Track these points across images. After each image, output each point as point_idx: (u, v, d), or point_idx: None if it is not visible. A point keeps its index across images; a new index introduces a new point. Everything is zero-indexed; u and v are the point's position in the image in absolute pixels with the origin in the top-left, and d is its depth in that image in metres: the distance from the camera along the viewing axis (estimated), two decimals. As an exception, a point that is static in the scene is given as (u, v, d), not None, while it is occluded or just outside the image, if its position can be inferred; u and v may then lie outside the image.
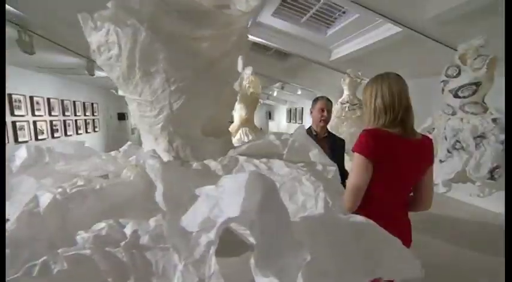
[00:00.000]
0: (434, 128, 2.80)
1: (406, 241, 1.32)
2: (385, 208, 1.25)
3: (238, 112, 3.96)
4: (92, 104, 8.25)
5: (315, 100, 2.23)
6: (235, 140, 3.85)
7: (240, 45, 0.93)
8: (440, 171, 2.55)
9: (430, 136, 2.70)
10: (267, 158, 0.86)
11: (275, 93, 9.38)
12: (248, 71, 3.84)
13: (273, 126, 13.93)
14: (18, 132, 5.12)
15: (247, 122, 3.97)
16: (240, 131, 3.96)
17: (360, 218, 0.62)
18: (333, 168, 0.83)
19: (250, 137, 3.89)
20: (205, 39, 0.82)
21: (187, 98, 0.81)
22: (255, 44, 5.91)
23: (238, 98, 3.87)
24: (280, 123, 12.71)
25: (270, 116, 14.46)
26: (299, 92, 7.98)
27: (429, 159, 1.28)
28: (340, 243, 0.57)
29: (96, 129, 8.53)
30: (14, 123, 5.01)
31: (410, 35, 3.54)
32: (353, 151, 1.21)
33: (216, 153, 0.89)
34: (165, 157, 0.85)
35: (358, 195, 1.19)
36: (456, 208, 3.91)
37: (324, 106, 2.15)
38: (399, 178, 1.23)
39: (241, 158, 0.81)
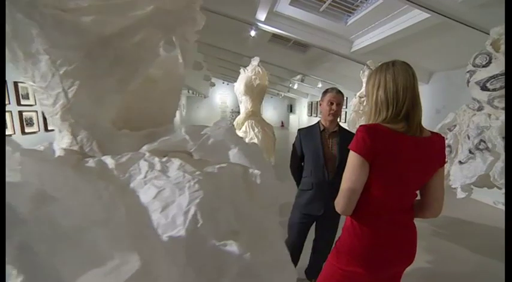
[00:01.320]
0: (456, 125, 2.42)
1: (409, 248, 1.17)
2: (384, 211, 1.10)
3: (244, 104, 3.81)
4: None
5: (325, 92, 2.03)
6: (241, 133, 3.72)
7: (162, 23, 0.76)
8: (460, 174, 2.22)
9: (447, 135, 2.35)
10: (182, 155, 0.73)
11: (295, 86, 9.07)
12: (254, 62, 3.67)
13: (294, 119, 13.67)
14: (47, 121, 5.53)
15: (253, 115, 3.81)
16: (245, 124, 3.82)
17: (235, 248, 0.46)
18: (258, 172, 0.67)
19: (256, 130, 3.74)
20: (85, 11, 0.68)
21: (82, 84, 0.69)
22: (273, 35, 5.71)
23: (243, 89, 3.73)
24: (301, 116, 12.41)
25: (291, 109, 14.18)
26: (319, 85, 7.63)
27: (439, 160, 1.11)
28: (199, 275, 0.42)
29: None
30: (43, 112, 5.41)
31: (439, 22, 3.14)
32: (349, 149, 1.07)
33: (132, 149, 0.77)
34: (62, 152, 0.75)
35: (352, 198, 1.06)
36: (480, 211, 3.47)
37: (333, 99, 1.92)
38: (400, 179, 1.07)
39: (145, 156, 0.69)
